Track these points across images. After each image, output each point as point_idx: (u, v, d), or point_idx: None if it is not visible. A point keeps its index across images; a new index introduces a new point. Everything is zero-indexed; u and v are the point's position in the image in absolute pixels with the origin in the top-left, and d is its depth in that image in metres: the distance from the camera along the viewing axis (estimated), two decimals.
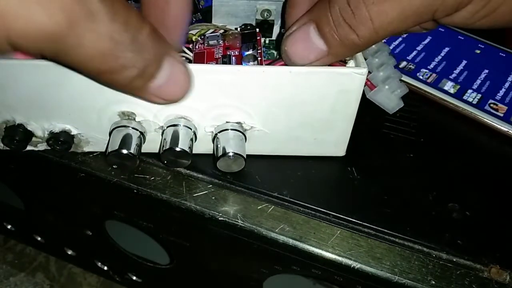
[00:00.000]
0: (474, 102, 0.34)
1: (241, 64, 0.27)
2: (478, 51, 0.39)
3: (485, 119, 0.33)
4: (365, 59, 0.26)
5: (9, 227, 0.48)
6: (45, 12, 0.15)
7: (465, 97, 0.34)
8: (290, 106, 0.26)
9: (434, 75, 0.36)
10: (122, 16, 0.18)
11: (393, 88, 0.30)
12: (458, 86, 0.35)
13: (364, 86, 0.28)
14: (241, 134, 0.27)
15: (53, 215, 0.40)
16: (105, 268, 0.45)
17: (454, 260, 0.26)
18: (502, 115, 0.33)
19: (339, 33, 0.22)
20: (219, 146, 0.27)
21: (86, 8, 0.16)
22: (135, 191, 0.28)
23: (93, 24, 0.16)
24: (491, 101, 0.34)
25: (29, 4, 0.15)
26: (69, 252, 0.46)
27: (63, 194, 0.35)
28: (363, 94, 0.27)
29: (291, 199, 0.28)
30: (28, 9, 0.15)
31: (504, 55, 0.39)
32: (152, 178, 0.29)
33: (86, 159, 0.29)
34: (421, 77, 0.36)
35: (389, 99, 0.30)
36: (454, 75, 0.36)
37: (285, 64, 0.25)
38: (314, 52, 0.24)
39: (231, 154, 0.26)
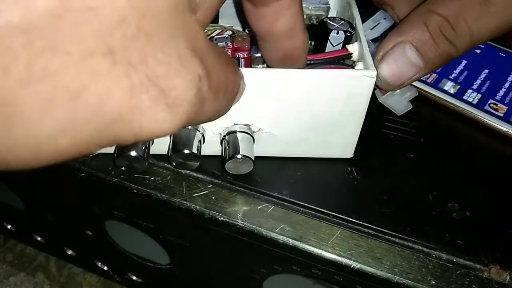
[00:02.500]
0: (474, 102, 0.34)
1: (250, 66, 0.27)
2: (478, 51, 0.39)
3: (485, 119, 0.33)
4: None
5: (9, 227, 0.48)
6: (172, 117, 0.15)
7: (465, 97, 0.34)
8: (299, 108, 0.26)
9: (434, 75, 0.36)
10: (222, 86, 0.18)
11: (404, 92, 0.30)
12: (458, 86, 0.35)
13: (376, 90, 0.28)
14: (249, 136, 0.27)
15: (53, 215, 0.40)
16: (105, 268, 0.45)
17: (454, 260, 0.26)
18: (502, 115, 0.33)
19: (440, 48, 0.24)
20: (227, 148, 0.27)
21: (200, 107, 0.16)
22: (135, 191, 0.28)
23: (202, 111, 0.17)
24: (491, 101, 0.34)
25: (159, 108, 0.15)
26: (69, 252, 0.46)
27: (63, 194, 0.35)
28: (375, 101, 0.27)
29: (291, 199, 0.28)
30: (157, 113, 0.15)
31: (504, 55, 0.39)
32: (152, 178, 0.29)
33: (86, 159, 0.29)
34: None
35: (400, 102, 0.30)
36: (454, 75, 0.36)
37: (376, 87, 0.27)
38: (413, 70, 0.25)
39: (239, 156, 0.26)
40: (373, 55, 0.31)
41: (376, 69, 0.25)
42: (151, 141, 0.27)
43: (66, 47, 0.12)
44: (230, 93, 0.19)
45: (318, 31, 0.29)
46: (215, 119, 0.19)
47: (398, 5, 0.29)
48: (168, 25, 0.14)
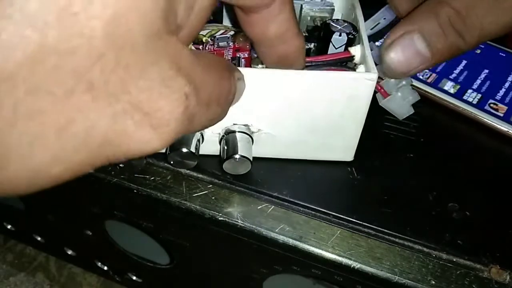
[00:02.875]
0: (474, 102, 0.34)
1: (250, 66, 0.27)
2: (478, 51, 0.39)
3: (485, 119, 0.33)
4: (376, 65, 0.26)
5: (9, 227, 0.48)
6: (159, 136, 0.16)
7: (465, 97, 0.34)
8: (298, 109, 0.26)
9: (434, 75, 0.36)
10: (215, 97, 0.18)
11: (405, 96, 0.30)
12: (458, 86, 0.35)
13: (377, 93, 0.28)
14: (248, 136, 0.27)
15: (53, 215, 0.40)
16: (105, 268, 0.45)
17: (454, 260, 0.26)
18: (502, 115, 0.33)
19: (449, 40, 0.24)
20: (225, 148, 0.27)
21: (189, 122, 0.17)
22: (135, 191, 0.28)
23: (193, 124, 0.17)
24: (491, 101, 0.34)
25: (144, 130, 0.15)
26: (69, 252, 0.46)
27: (63, 194, 0.35)
28: (376, 101, 0.27)
29: (291, 199, 0.28)
30: (144, 135, 0.15)
31: (504, 55, 0.39)
32: (152, 178, 0.29)
33: None
34: (421, 77, 0.36)
35: (401, 106, 0.30)
36: (454, 75, 0.36)
37: (381, 76, 0.27)
38: (419, 59, 0.25)
39: (237, 156, 0.26)
40: (376, 59, 0.31)
41: (383, 55, 0.25)
42: None
43: (48, 88, 0.13)
44: (224, 102, 0.19)
45: (320, 33, 0.29)
46: (210, 126, 0.19)
47: (401, 5, 0.29)
48: (147, 52, 0.14)
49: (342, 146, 0.29)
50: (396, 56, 0.25)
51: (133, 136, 0.15)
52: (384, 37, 0.28)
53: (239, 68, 0.26)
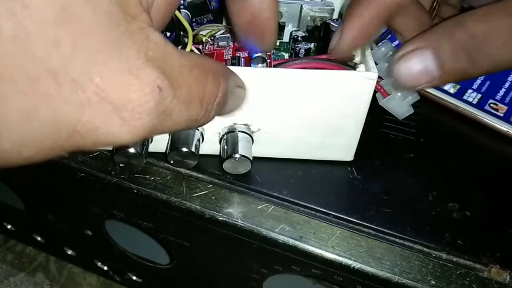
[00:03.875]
0: (474, 102, 0.34)
1: (250, 66, 0.27)
2: None
3: (485, 119, 0.33)
4: (376, 64, 0.26)
5: (9, 227, 0.48)
6: (130, 129, 0.15)
7: (465, 97, 0.34)
8: (298, 109, 0.26)
9: None
10: (197, 97, 0.18)
11: (405, 95, 0.30)
12: (458, 86, 0.35)
13: (377, 92, 0.28)
14: (248, 136, 0.27)
15: (53, 215, 0.40)
16: (105, 268, 0.45)
17: (454, 260, 0.26)
18: (502, 115, 0.33)
19: (459, 63, 0.23)
20: (225, 147, 0.27)
21: (166, 118, 0.16)
22: (135, 191, 0.28)
23: (170, 121, 0.17)
24: (491, 101, 0.34)
25: (114, 122, 0.15)
26: (69, 252, 0.46)
27: (63, 194, 0.35)
28: (376, 101, 0.27)
29: (291, 199, 0.28)
30: (113, 127, 0.15)
31: None
32: (152, 178, 0.29)
33: (86, 159, 0.29)
34: None
35: (401, 106, 0.30)
36: None
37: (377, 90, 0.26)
38: (427, 77, 0.24)
39: (237, 156, 0.26)
40: (378, 58, 0.30)
41: (393, 66, 0.25)
42: (150, 139, 0.27)
43: (10, 76, 0.13)
44: (208, 103, 0.19)
45: (320, 33, 0.29)
46: (195, 126, 0.19)
47: (409, 35, 0.28)
48: (106, 40, 0.14)
49: (342, 146, 0.29)
50: (405, 69, 0.25)
51: (101, 127, 0.15)
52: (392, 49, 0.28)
53: (239, 67, 0.27)
